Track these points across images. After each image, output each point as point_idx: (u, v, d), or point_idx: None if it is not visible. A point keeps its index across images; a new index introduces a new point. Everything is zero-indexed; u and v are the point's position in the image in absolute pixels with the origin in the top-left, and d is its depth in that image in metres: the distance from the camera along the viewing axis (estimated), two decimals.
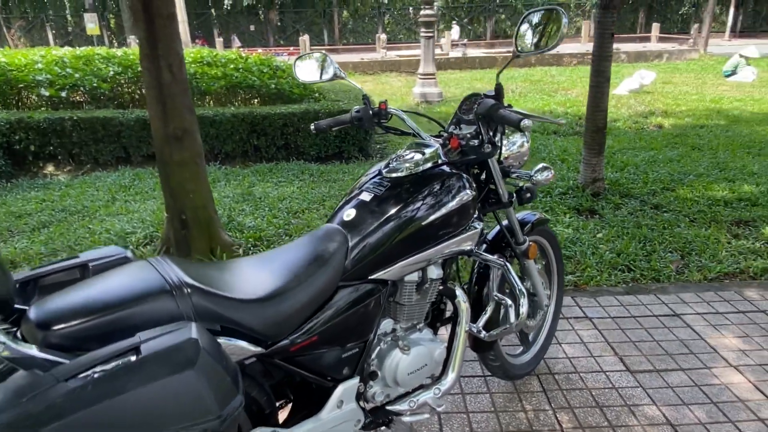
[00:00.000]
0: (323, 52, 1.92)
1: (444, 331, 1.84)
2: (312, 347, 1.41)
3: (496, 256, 1.82)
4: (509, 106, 1.61)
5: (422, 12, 9.47)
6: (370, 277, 1.51)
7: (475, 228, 1.67)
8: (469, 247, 1.68)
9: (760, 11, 27.64)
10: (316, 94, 7.24)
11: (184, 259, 1.43)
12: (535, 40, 1.56)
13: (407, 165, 1.59)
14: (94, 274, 1.30)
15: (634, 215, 4.00)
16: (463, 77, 13.40)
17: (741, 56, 10.68)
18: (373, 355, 1.60)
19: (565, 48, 16.76)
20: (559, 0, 26.77)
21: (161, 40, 2.91)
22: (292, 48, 19.48)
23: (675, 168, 5.10)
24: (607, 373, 2.28)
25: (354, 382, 1.53)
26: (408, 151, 1.65)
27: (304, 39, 17.08)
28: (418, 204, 1.54)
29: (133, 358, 0.99)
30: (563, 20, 1.47)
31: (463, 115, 1.77)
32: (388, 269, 1.52)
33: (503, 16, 25.71)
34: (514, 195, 1.85)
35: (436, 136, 1.82)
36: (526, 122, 1.45)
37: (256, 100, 7.10)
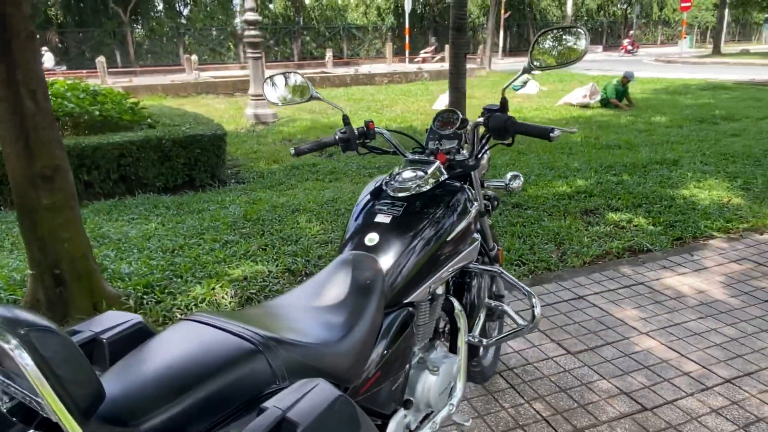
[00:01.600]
0: (295, 71, 1.80)
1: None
2: (374, 384, 1.31)
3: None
4: (513, 118, 1.69)
5: (246, 33, 9.29)
6: (404, 301, 1.46)
7: (477, 239, 1.72)
8: (472, 259, 1.71)
9: (522, 33, 32.83)
10: (149, 120, 6.63)
11: (227, 311, 1.23)
12: (551, 56, 1.67)
13: (415, 183, 1.57)
14: (111, 348, 1.05)
15: (502, 215, 4.41)
16: None
17: None
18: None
19: (376, 68, 17.80)
20: (357, 23, 28.27)
21: (21, 64, 2.42)
22: (86, 71, 17.41)
23: (514, 170, 5.73)
24: (554, 359, 2.49)
25: (401, 414, 1.45)
26: (408, 170, 1.64)
27: (101, 60, 15.43)
28: (441, 221, 1.53)
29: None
30: (583, 38, 1.59)
31: (440, 131, 1.81)
32: (418, 290, 1.48)
33: (308, 38, 26.31)
34: (489, 204, 1.93)
35: (413, 153, 1.82)
36: (556, 132, 1.54)
37: (66, 131, 6.19)
